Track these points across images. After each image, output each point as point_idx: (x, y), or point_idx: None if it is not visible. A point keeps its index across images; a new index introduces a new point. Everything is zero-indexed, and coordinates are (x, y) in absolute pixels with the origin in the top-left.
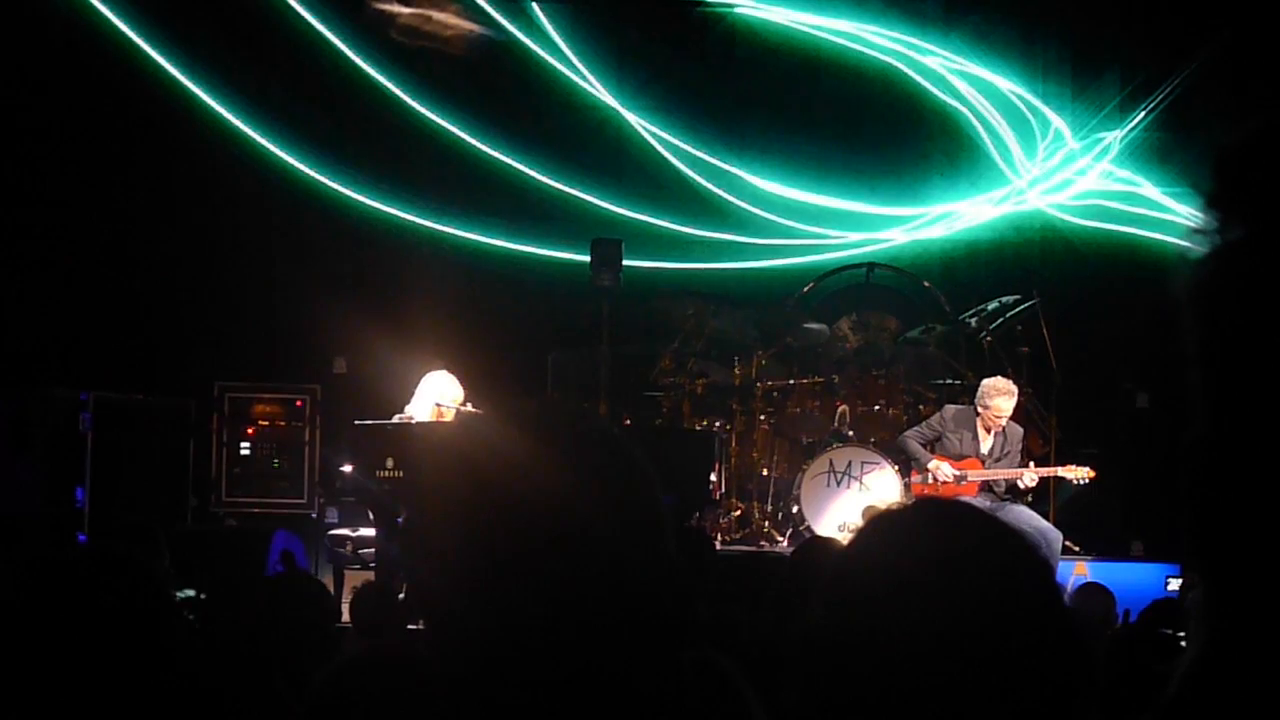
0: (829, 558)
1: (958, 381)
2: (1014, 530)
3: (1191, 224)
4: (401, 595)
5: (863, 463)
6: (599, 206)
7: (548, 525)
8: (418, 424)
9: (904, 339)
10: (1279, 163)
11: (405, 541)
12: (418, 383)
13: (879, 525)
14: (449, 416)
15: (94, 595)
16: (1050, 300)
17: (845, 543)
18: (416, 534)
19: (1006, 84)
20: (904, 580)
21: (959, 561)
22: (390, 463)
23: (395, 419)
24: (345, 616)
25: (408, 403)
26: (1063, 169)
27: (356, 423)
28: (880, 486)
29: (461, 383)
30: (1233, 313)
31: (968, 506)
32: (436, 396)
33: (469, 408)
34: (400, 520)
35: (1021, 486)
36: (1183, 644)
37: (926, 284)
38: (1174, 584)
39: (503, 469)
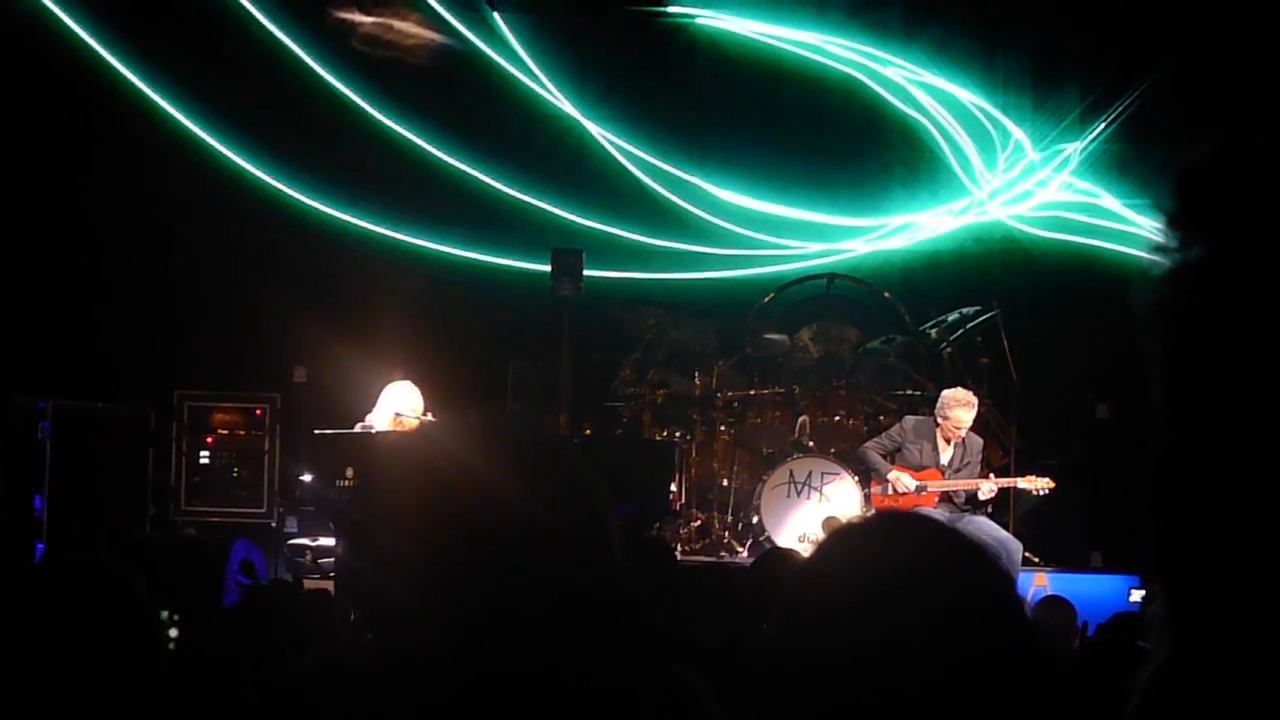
0: (789, 570)
1: (918, 392)
2: (974, 543)
3: (1152, 242)
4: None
5: (823, 473)
6: (560, 216)
7: (503, 531)
8: (378, 433)
9: (864, 350)
10: (1238, 180)
11: (361, 545)
12: (378, 392)
13: (839, 539)
14: (409, 426)
15: (77, 610)
16: (1010, 311)
17: (805, 555)
18: (374, 537)
19: (967, 95)
20: (864, 594)
21: (919, 575)
22: (350, 472)
23: (356, 428)
24: None
25: (369, 412)
26: (1023, 180)
27: (316, 432)
28: (840, 497)
29: (422, 392)
30: (1194, 331)
31: (927, 519)
32: (396, 406)
33: (429, 418)
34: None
35: (981, 497)
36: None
37: (887, 295)
38: (1136, 595)
39: (460, 476)
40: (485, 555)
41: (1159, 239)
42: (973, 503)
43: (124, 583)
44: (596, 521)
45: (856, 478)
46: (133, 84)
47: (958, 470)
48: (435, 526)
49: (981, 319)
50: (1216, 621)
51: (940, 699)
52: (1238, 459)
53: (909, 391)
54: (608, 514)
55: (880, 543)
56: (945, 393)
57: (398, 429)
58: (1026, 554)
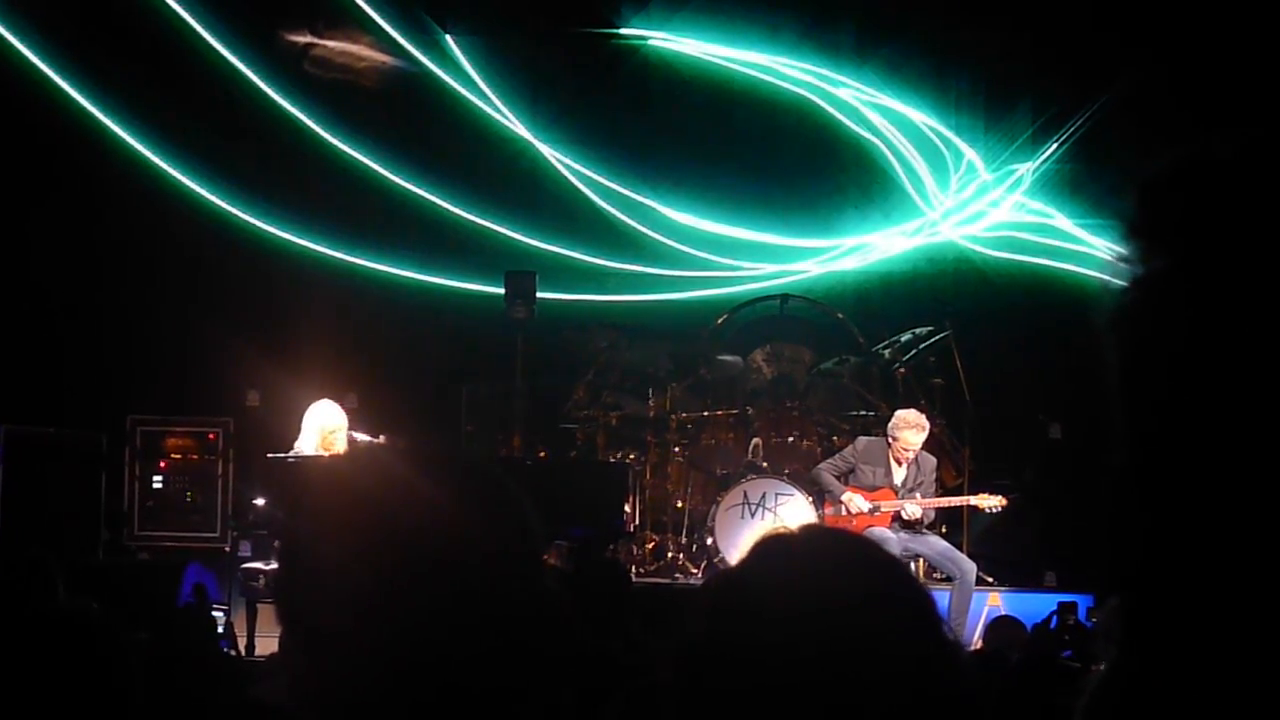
0: (714, 576)
1: (871, 413)
2: (894, 557)
3: (1113, 254)
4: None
5: (777, 494)
6: (513, 238)
7: (435, 549)
8: (325, 458)
9: (818, 370)
10: (1201, 192)
11: (294, 563)
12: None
13: (764, 549)
14: (339, 443)
15: (52, 654)
16: (963, 332)
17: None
18: (308, 556)
19: (919, 116)
20: (784, 601)
21: (839, 584)
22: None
23: (290, 455)
24: (259, 650)
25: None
26: (976, 201)
27: (269, 456)
28: (794, 518)
29: (375, 415)
30: (1156, 342)
31: (852, 534)
32: (321, 425)
33: (382, 439)
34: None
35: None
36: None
37: (840, 315)
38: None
39: (393, 495)
40: (418, 574)
41: (1120, 251)
42: (927, 523)
43: (99, 624)
44: (526, 538)
45: (810, 498)
46: (82, 106)
47: (911, 490)
48: (369, 545)
49: (934, 339)
50: (1178, 632)
51: (858, 707)
52: (1202, 470)
53: (862, 412)
54: (537, 531)
55: (803, 553)
56: (896, 414)
57: (327, 448)
58: (980, 574)
